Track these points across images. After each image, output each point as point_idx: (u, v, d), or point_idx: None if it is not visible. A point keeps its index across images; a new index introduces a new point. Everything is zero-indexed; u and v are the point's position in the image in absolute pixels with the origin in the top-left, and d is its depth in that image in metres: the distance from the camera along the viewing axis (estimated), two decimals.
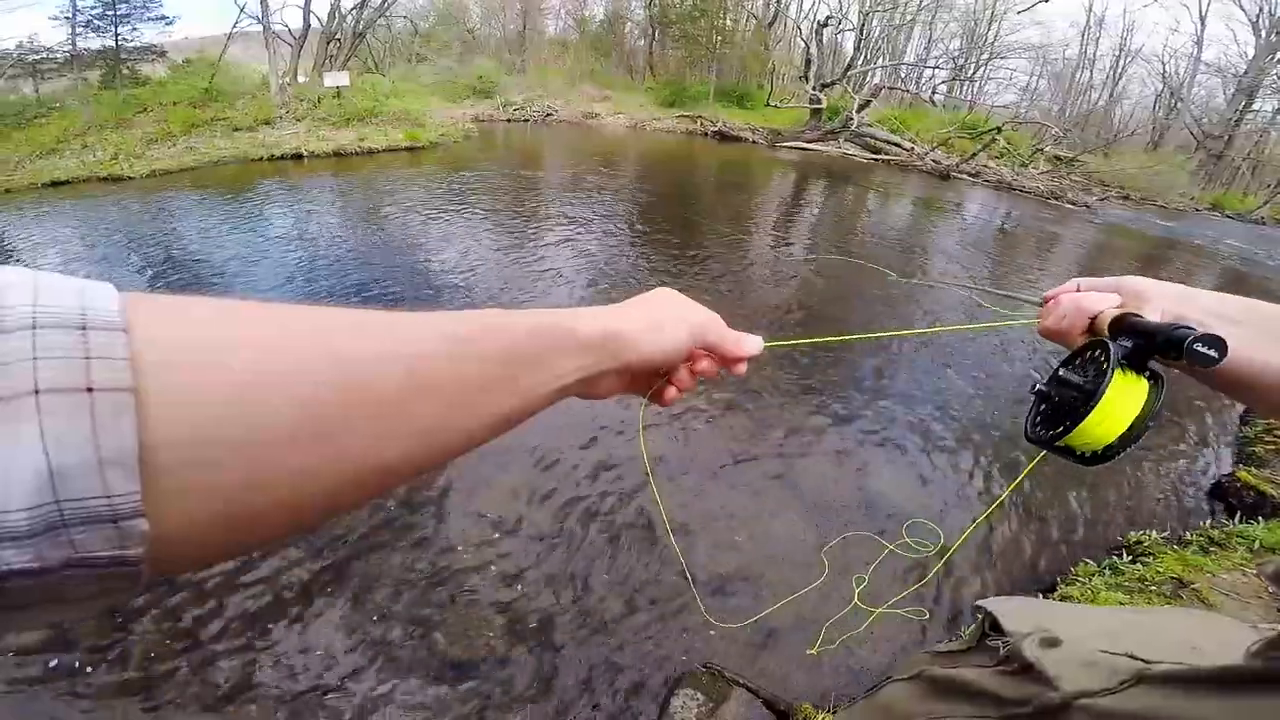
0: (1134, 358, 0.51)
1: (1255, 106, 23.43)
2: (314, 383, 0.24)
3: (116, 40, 14.40)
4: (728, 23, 23.57)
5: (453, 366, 0.30)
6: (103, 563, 0.18)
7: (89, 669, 1.98)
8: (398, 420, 0.27)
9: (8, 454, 0.16)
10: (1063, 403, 0.54)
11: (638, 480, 2.96)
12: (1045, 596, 2.46)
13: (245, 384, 0.22)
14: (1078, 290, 0.63)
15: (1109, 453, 0.52)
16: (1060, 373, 0.56)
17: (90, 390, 0.18)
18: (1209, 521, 3.00)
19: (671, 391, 0.50)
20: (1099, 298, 0.59)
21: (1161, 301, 0.55)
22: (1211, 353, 0.46)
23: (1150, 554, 2.67)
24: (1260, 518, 2.91)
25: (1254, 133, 24.02)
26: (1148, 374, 0.51)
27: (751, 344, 0.50)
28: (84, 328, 0.19)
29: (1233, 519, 3.01)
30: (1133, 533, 2.87)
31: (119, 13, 14.48)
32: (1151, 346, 0.50)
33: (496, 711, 1.95)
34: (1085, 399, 0.50)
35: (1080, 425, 0.50)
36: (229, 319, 0.24)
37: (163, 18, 15.49)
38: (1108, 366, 0.50)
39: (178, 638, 2.09)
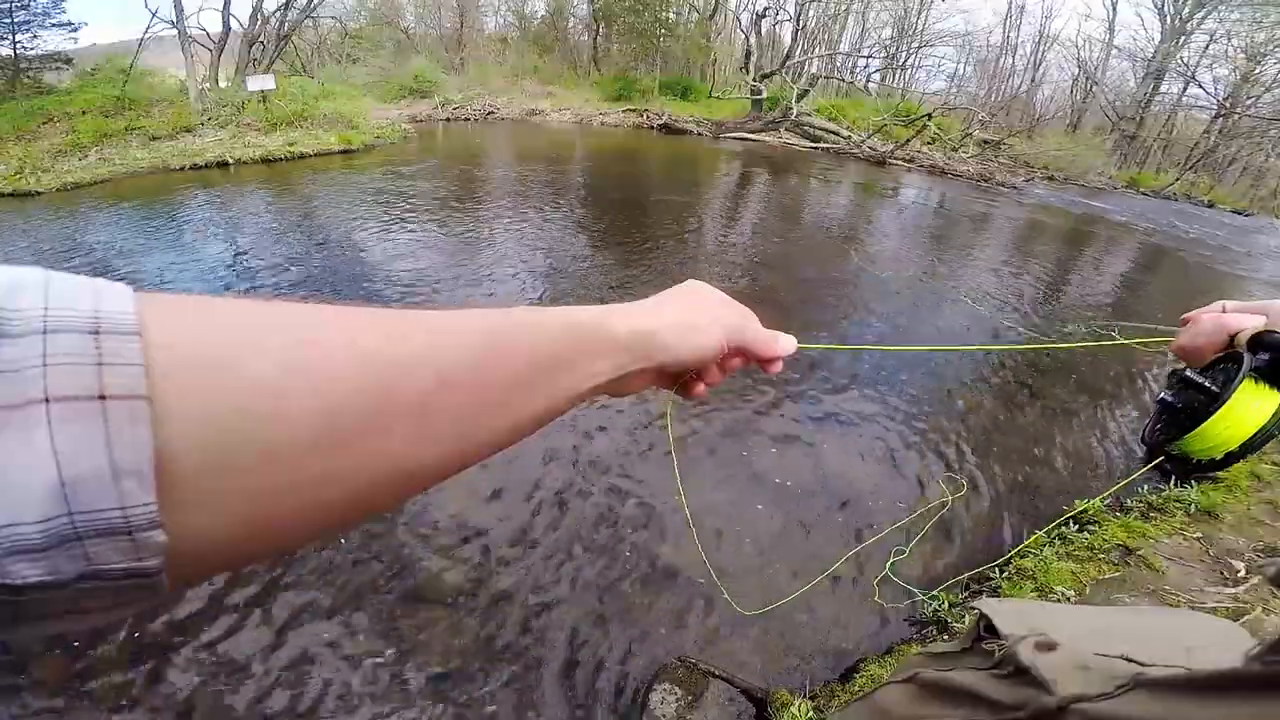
0: (1271, 371, 0.51)
1: (1163, 89, 24.94)
2: (339, 387, 0.23)
3: (15, 49, 13.39)
4: (670, 15, 23.66)
5: (483, 367, 0.29)
6: (119, 575, 0.18)
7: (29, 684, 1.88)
8: (427, 423, 0.26)
9: (18, 464, 0.16)
10: (1186, 407, 0.54)
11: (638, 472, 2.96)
12: (1000, 570, 2.54)
13: (266, 388, 0.21)
14: (1223, 311, 0.64)
15: (1229, 459, 0.52)
16: (1187, 377, 0.57)
17: (103, 398, 0.17)
18: (1147, 487, 3.11)
19: (700, 387, 0.48)
20: (1243, 318, 0.60)
21: None
22: None
23: (1096, 522, 2.77)
24: (1193, 481, 3.03)
25: (1163, 113, 25.54)
26: None
27: (785, 344, 0.49)
28: (97, 331, 0.18)
29: (1168, 483, 3.12)
30: (1078, 501, 2.98)
31: (17, 20, 13.48)
32: None
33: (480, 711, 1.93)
34: (1211, 401, 0.50)
35: (1203, 427, 0.50)
36: (249, 319, 0.23)
37: (67, 24, 14.52)
38: (1239, 373, 0.50)
39: (144, 650, 2.01)
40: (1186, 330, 0.66)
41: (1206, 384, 0.53)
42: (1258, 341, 0.54)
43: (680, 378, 0.47)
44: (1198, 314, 0.67)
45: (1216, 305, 0.66)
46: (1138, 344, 0.81)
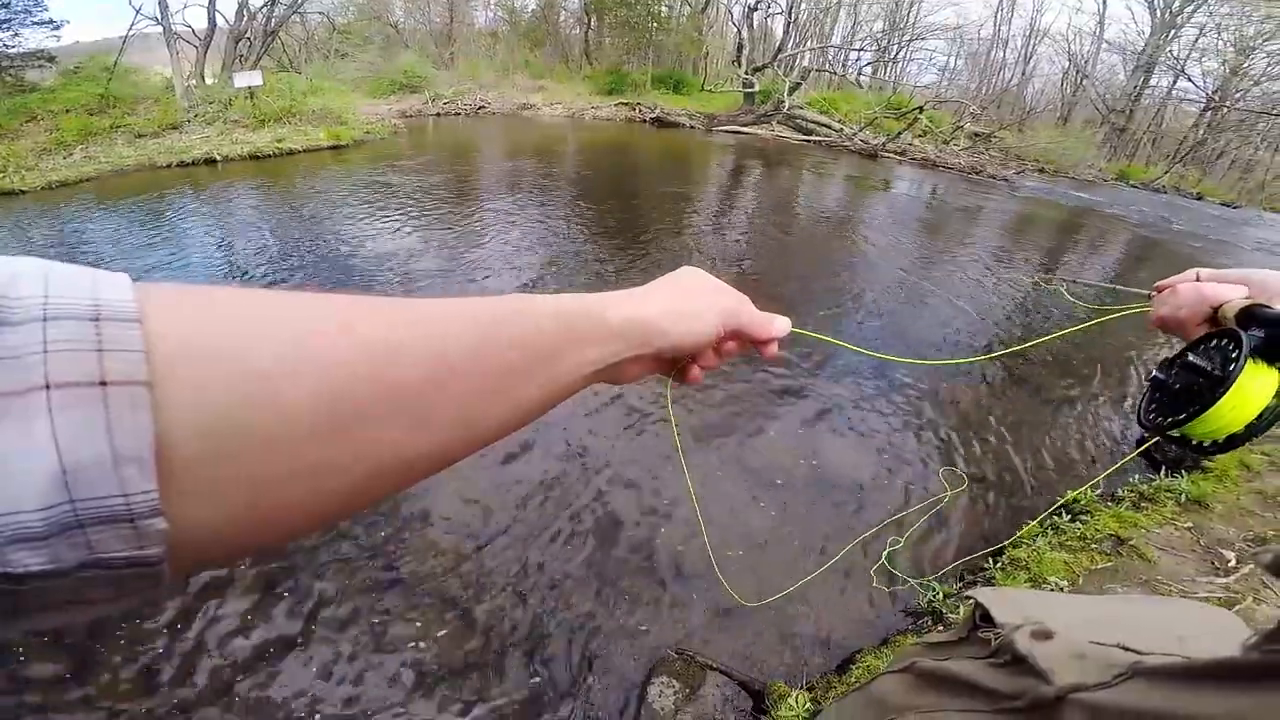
0: (1266, 349, 0.50)
1: (1152, 82, 25.03)
2: (337, 374, 0.23)
3: None
4: (662, 9, 23.60)
5: (480, 355, 0.30)
6: (120, 563, 0.18)
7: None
8: (424, 411, 0.26)
9: (20, 452, 0.16)
10: (1185, 389, 0.53)
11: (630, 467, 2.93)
12: (994, 560, 2.55)
13: (265, 376, 0.21)
14: (1197, 280, 0.63)
15: (1232, 442, 0.51)
16: (1183, 359, 0.55)
17: (104, 384, 0.17)
18: (1138, 477, 3.11)
19: (696, 372, 0.49)
20: (1224, 288, 0.58)
21: None
22: None
23: (1088, 512, 2.78)
24: (1183, 471, 3.04)
25: (1152, 107, 25.64)
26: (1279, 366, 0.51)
27: (780, 325, 0.49)
28: (97, 319, 0.18)
29: (1158, 473, 3.13)
30: (1070, 491, 2.98)
31: None
32: None
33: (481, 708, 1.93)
34: (1215, 385, 0.49)
35: (1208, 411, 0.49)
36: (249, 308, 0.23)
37: (49, 22, 14.30)
38: (1239, 354, 0.49)
39: (138, 651, 1.99)
40: (1165, 301, 0.64)
41: (1207, 367, 0.51)
42: (1249, 315, 0.53)
43: (677, 363, 0.47)
44: (1173, 282, 0.65)
45: (1190, 273, 0.65)
46: (1115, 317, 0.79)
